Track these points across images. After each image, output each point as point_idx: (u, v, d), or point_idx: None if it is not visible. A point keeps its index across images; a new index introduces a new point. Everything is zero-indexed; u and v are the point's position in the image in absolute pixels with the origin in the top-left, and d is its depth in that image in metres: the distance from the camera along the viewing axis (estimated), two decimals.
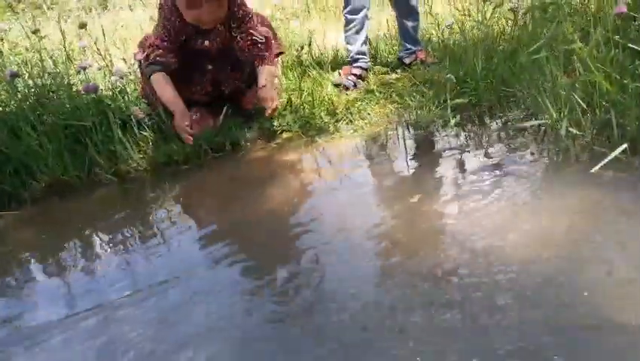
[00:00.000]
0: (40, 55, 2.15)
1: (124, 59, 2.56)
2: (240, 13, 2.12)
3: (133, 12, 7.14)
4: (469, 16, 2.90)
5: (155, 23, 2.18)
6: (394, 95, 2.32)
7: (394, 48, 2.89)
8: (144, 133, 2.07)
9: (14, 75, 2.13)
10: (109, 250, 1.50)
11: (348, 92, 2.43)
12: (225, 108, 2.18)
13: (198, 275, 1.28)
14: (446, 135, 1.90)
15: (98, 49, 2.25)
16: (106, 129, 2.02)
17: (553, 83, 1.58)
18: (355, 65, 2.57)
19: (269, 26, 2.36)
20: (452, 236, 1.23)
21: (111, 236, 1.58)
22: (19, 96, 2.10)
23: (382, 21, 3.50)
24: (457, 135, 1.88)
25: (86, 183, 1.94)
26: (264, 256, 1.32)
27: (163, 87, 2.06)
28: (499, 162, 1.60)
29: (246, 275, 1.26)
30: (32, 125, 1.98)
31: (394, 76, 2.58)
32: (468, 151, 1.73)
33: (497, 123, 1.93)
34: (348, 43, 2.59)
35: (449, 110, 1.92)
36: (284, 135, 2.16)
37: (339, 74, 2.61)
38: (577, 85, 1.54)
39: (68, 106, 2.10)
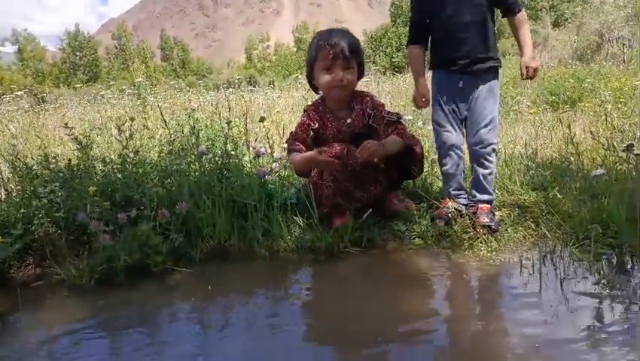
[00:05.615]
0: (226, 139, 2.62)
1: (283, 147, 2.99)
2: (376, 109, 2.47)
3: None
4: (613, 150, 2.91)
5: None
6: (528, 220, 2.40)
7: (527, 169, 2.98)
8: (296, 218, 2.39)
9: (203, 153, 2.60)
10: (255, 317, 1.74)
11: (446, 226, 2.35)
12: (369, 211, 2.41)
13: None
14: (587, 278, 1.88)
15: (268, 137, 2.67)
16: (266, 209, 2.37)
17: None
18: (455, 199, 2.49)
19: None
20: None
21: (255, 306, 1.84)
22: (203, 170, 2.55)
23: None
24: (599, 281, 1.85)
25: (244, 253, 2.26)
26: None
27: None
28: None
29: None
30: (210, 197, 2.40)
31: (526, 197, 2.67)
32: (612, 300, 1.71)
33: None
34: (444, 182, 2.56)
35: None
36: (417, 241, 2.33)
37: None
38: None
39: (237, 183, 2.51)
